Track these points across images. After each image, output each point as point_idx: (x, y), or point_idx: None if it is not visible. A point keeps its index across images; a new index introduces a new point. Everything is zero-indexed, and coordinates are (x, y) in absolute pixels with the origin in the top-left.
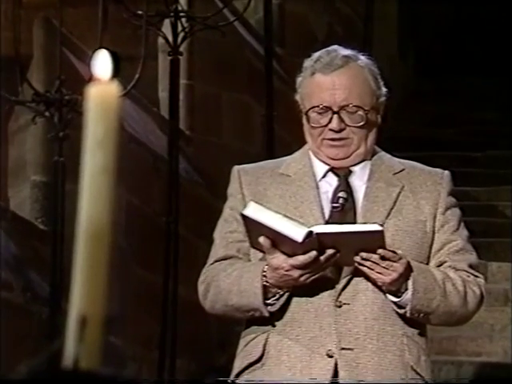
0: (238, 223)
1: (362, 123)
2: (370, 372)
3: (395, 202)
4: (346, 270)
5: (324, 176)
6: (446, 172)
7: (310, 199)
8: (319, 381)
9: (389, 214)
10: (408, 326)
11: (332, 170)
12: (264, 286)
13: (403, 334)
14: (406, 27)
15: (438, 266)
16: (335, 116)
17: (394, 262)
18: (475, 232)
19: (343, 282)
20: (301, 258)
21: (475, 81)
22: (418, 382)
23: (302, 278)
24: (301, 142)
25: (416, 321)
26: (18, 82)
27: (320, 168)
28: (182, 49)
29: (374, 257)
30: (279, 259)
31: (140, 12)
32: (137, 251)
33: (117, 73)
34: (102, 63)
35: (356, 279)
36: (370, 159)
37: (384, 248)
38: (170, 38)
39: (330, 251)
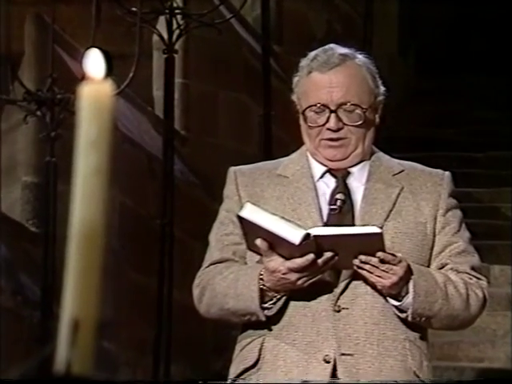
0: (234, 225)
1: (359, 122)
2: (370, 378)
3: (394, 204)
4: (345, 273)
5: (321, 177)
6: (447, 173)
7: (308, 201)
8: (318, 381)
9: (388, 215)
10: (410, 330)
11: (330, 171)
12: (261, 290)
13: (405, 339)
14: (407, 25)
15: (440, 268)
16: (333, 115)
17: (394, 265)
18: (477, 234)
19: (342, 285)
20: (298, 261)
21: (476, 80)
22: (416, 382)
23: (300, 282)
24: (299, 143)
25: (418, 325)
26: (8, 80)
27: (318, 169)
28: (177, 47)
29: (374, 260)
30: (276, 262)
31: (134, 9)
32: (131, 254)
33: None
34: (94, 61)
35: (355, 283)
36: (369, 160)
37: (383, 251)
38: (165, 36)
39: (328, 254)
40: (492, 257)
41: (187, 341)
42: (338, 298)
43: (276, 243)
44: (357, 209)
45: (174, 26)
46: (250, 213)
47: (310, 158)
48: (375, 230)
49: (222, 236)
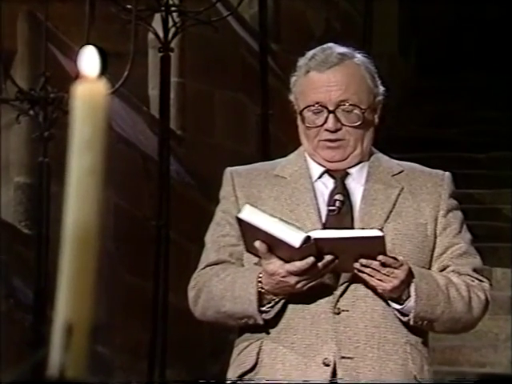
0: (231, 227)
1: (358, 123)
2: (370, 381)
3: (394, 205)
4: (345, 275)
5: (319, 177)
6: (447, 173)
7: (307, 201)
8: (318, 381)
9: (388, 217)
10: (411, 333)
11: (328, 171)
12: (259, 293)
13: (406, 342)
14: (407, 24)
15: (441, 270)
16: (331, 115)
17: (395, 268)
18: (479, 236)
19: (341, 288)
20: (298, 264)
21: (478, 79)
22: (415, 382)
23: (299, 285)
24: (297, 143)
25: (419, 328)
26: (1, 78)
27: (316, 170)
28: (173, 45)
29: (374, 263)
30: (275, 265)
31: (129, 6)
32: (125, 256)
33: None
34: (89, 60)
35: (355, 285)
36: (368, 160)
37: (384, 254)
38: (161, 34)
39: (328, 257)
40: (494, 259)
41: (183, 344)
42: (338, 300)
43: (275, 246)
44: (356, 210)
45: (170, 23)
46: (249, 214)
47: (308, 158)
48: (377, 233)
49: (219, 237)
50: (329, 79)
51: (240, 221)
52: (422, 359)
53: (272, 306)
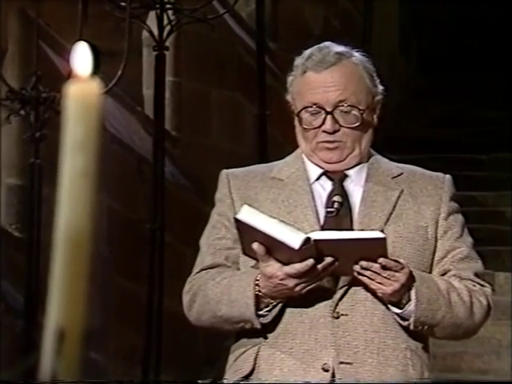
0: (227, 230)
1: (357, 124)
2: (370, 381)
3: (394, 207)
4: (344, 278)
5: (317, 179)
6: (448, 176)
7: (304, 203)
8: (317, 381)
9: (388, 219)
10: (411, 339)
11: (326, 173)
12: (256, 296)
13: (406, 348)
14: (408, 23)
15: (442, 274)
16: (329, 117)
17: (396, 271)
18: (481, 240)
19: (341, 291)
20: (297, 267)
21: (480, 78)
22: (415, 381)
23: (298, 288)
24: (295, 144)
25: (419, 334)
26: None
27: (313, 171)
28: (168, 43)
29: (375, 266)
30: (274, 267)
31: (123, 3)
32: (119, 260)
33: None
34: (81, 58)
35: (354, 288)
36: (366, 162)
37: (385, 256)
38: (156, 32)
39: (328, 259)
40: (496, 264)
41: (178, 350)
42: (337, 304)
43: (274, 247)
44: (355, 212)
45: (165, 21)
46: (247, 215)
47: (306, 160)
48: (379, 234)
49: (214, 240)
50: (326, 79)
51: (238, 222)
52: (423, 365)
53: (269, 310)
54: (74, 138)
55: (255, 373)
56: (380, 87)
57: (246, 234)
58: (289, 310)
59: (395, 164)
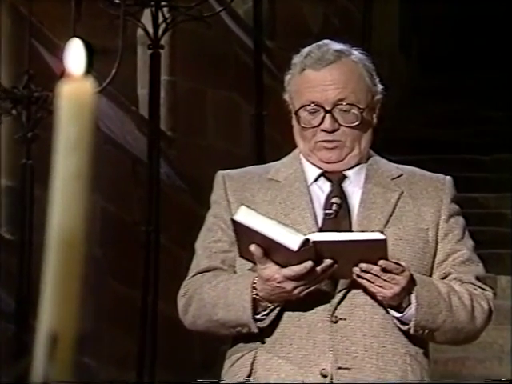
0: (223, 232)
1: (356, 123)
2: (370, 381)
3: (394, 209)
4: (342, 282)
5: (315, 180)
6: (448, 177)
7: (302, 205)
8: (317, 381)
9: (387, 221)
10: (411, 344)
11: (324, 174)
12: (253, 300)
13: (406, 353)
14: (408, 21)
15: (443, 278)
16: (328, 115)
17: (397, 274)
18: (483, 242)
19: (339, 295)
20: (295, 269)
21: (481, 77)
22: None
23: (296, 291)
24: (293, 144)
25: (419, 339)
26: None
27: (311, 173)
28: (163, 42)
29: (375, 268)
30: (271, 270)
31: (117, 1)
32: (113, 263)
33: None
34: (75, 56)
35: (353, 292)
36: (366, 163)
37: (386, 259)
38: (150, 30)
39: (327, 261)
40: (498, 267)
41: (173, 355)
42: (336, 308)
43: (272, 249)
44: (354, 213)
45: (160, 19)
46: (245, 216)
47: (304, 160)
48: (379, 236)
49: (210, 243)
50: (325, 78)
51: (235, 223)
52: (422, 371)
53: (267, 314)
54: (66, 139)
55: (252, 378)
56: (380, 86)
57: (244, 235)
58: (286, 314)
59: (395, 165)
